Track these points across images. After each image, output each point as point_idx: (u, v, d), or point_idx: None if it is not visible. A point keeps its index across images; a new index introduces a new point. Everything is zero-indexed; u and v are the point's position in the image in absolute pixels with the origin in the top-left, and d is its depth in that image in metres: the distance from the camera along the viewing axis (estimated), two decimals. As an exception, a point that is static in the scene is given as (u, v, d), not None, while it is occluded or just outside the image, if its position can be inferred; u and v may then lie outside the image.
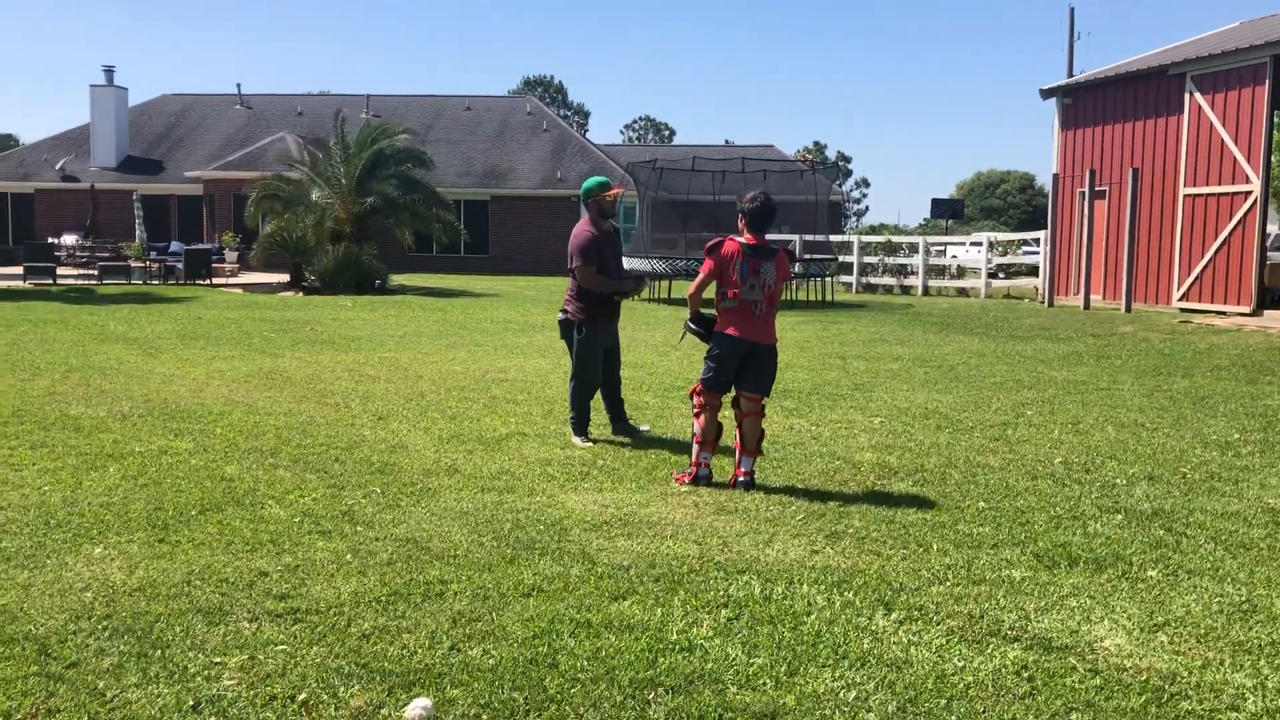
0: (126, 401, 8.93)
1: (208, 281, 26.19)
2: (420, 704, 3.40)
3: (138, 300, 20.74)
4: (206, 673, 3.65)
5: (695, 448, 6.41)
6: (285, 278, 26.15)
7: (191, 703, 3.44)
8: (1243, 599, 4.52)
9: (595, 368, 7.70)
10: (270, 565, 4.75)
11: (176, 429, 7.81)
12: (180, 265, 26.40)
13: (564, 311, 7.78)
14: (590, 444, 7.47)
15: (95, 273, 26.61)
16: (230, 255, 30.70)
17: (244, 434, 7.66)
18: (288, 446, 7.26)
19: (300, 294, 23.64)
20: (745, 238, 6.35)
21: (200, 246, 29.47)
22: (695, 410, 6.47)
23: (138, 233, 32.48)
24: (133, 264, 27.36)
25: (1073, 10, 57.75)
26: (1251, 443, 7.82)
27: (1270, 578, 4.80)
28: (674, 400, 9.35)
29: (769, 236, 6.52)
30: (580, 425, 7.65)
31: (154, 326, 15.53)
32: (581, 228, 7.68)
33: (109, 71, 38.46)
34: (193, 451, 7.07)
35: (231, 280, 27.64)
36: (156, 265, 27.04)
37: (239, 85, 43.84)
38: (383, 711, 3.39)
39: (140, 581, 4.53)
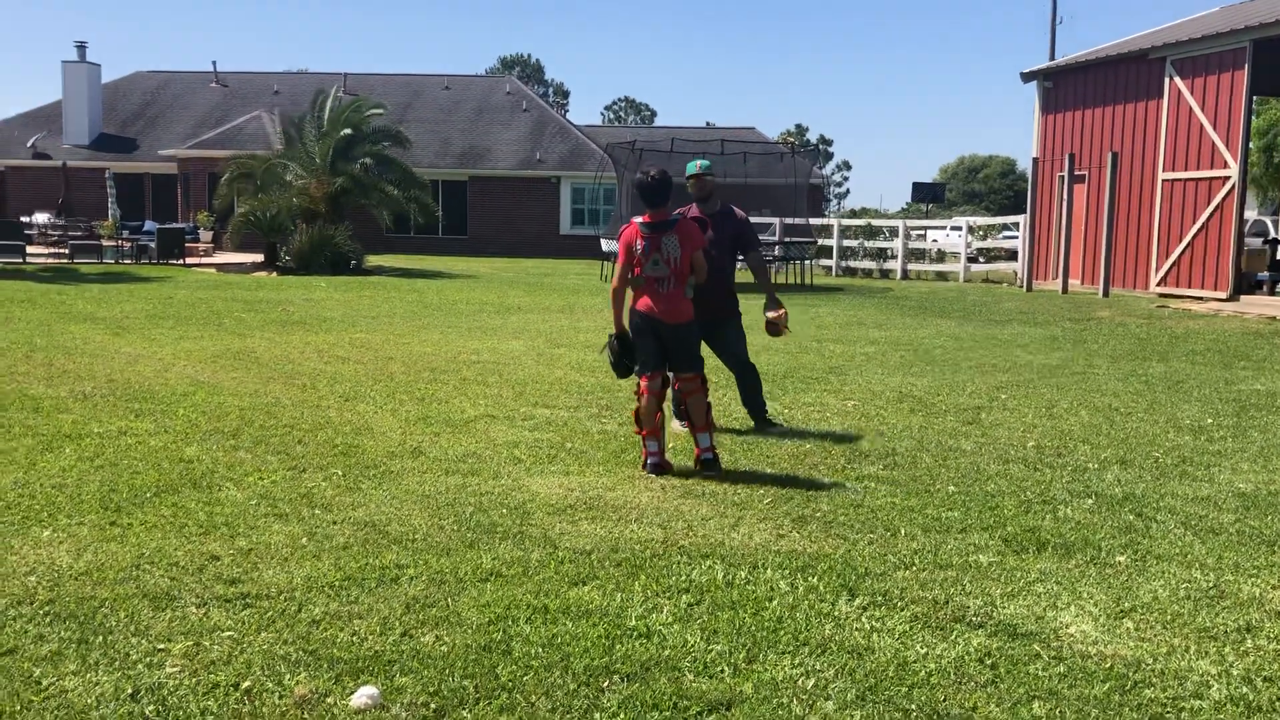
0: (89, 381, 8.77)
1: (181, 261, 25.88)
2: (367, 692, 3.31)
3: (109, 279, 20.47)
4: (148, 660, 3.54)
5: (641, 440, 6.30)
6: (260, 258, 25.88)
7: (130, 691, 3.33)
8: (1210, 585, 4.46)
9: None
10: (223, 549, 4.64)
11: (138, 409, 7.66)
12: (153, 245, 26.10)
13: None
14: (684, 429, 7.11)
15: (67, 252, 26.24)
16: (205, 235, 30.37)
17: (207, 415, 7.52)
18: (250, 428, 7.13)
19: (274, 274, 23.39)
20: (644, 216, 6.29)
21: (174, 226, 29.10)
22: (637, 394, 6.37)
23: (111, 211, 32.07)
24: (105, 243, 27.00)
25: (1055, -6, 57.52)
26: (1224, 427, 7.79)
27: (1239, 563, 4.75)
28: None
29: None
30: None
31: (123, 306, 15.31)
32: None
33: (81, 47, 37.96)
34: (153, 432, 6.94)
35: (205, 260, 27.34)
36: (129, 244, 26.71)
37: (215, 63, 43.20)
38: (328, 700, 3.29)
39: (87, 565, 4.41)
